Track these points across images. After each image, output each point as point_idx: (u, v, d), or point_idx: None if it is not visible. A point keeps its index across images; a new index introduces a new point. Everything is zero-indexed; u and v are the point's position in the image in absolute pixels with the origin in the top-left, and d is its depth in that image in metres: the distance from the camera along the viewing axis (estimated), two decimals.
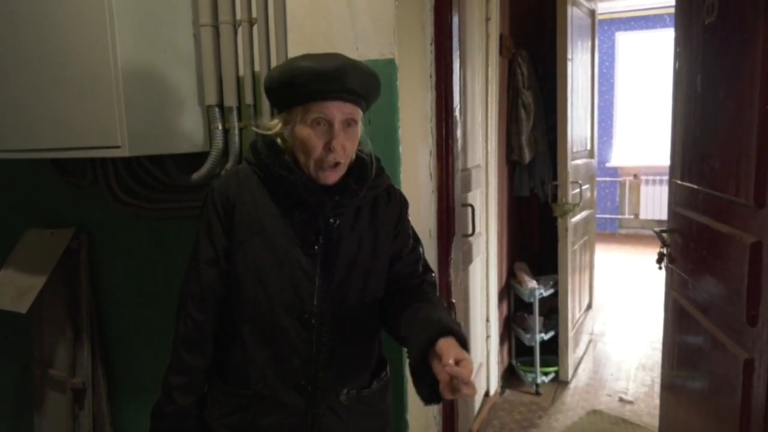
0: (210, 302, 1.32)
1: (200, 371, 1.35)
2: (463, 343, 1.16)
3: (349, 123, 1.23)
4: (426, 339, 1.16)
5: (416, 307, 1.30)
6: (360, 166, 1.31)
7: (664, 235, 2.21)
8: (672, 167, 2.17)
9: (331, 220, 1.28)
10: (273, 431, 1.31)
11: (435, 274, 1.62)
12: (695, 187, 1.90)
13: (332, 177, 1.25)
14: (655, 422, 2.63)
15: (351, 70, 1.19)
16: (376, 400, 1.40)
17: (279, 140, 1.29)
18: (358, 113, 1.25)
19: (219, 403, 1.34)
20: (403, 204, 1.42)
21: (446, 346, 1.12)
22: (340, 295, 1.30)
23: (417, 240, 1.45)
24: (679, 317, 2.09)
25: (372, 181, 1.32)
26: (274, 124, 1.28)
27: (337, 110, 1.20)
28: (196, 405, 1.36)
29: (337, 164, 1.24)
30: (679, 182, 2.07)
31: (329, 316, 1.29)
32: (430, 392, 1.18)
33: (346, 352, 1.32)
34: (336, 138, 1.21)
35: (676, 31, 2.12)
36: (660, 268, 2.25)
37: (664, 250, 2.21)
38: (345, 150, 1.23)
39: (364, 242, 1.33)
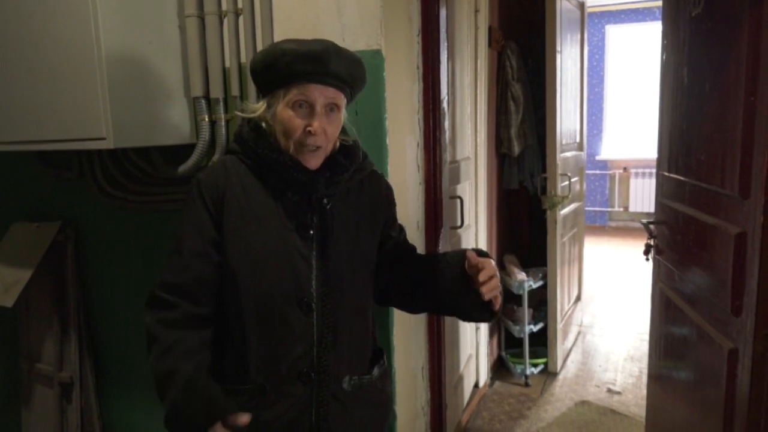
0: (198, 294, 1.26)
1: (198, 342, 1.24)
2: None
3: (332, 108, 1.24)
4: (457, 263, 1.31)
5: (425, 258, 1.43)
6: (346, 147, 1.33)
7: (652, 226, 2.22)
8: (659, 159, 2.18)
9: (325, 201, 1.29)
10: (277, 425, 1.28)
11: None
12: (682, 178, 1.90)
13: (312, 161, 1.26)
14: (642, 412, 2.65)
15: (335, 54, 1.20)
16: (377, 388, 1.41)
17: (263, 125, 1.29)
18: (341, 99, 1.25)
19: None
20: (389, 188, 1.47)
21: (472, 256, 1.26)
22: (337, 277, 1.30)
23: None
24: (665, 308, 2.11)
25: (360, 163, 1.35)
26: (258, 107, 1.28)
27: (319, 93, 1.21)
28: (204, 369, 1.23)
29: (317, 148, 1.24)
30: (666, 174, 2.08)
31: (328, 298, 1.28)
32: (481, 310, 1.30)
33: (346, 334, 1.32)
34: (317, 120, 1.21)
35: (664, 23, 2.12)
36: (647, 259, 2.27)
37: (652, 242, 2.22)
38: (326, 134, 1.24)
39: (355, 223, 1.35)
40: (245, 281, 1.26)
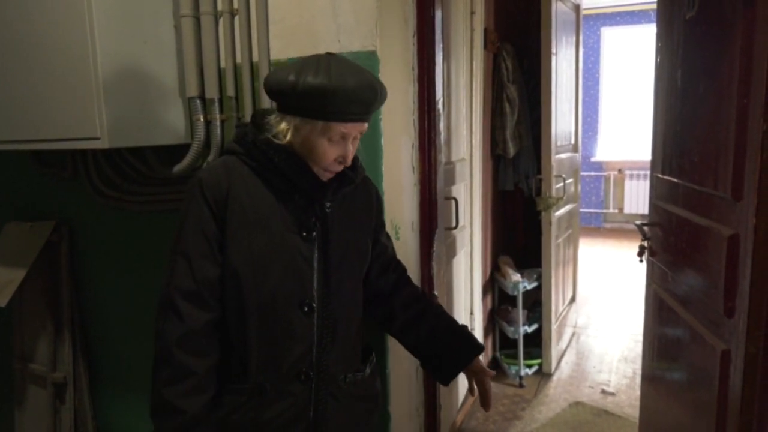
0: (208, 298, 1.27)
1: (206, 370, 1.26)
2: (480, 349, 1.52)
3: (356, 136, 1.29)
4: (458, 365, 1.51)
5: (428, 323, 1.52)
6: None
7: (645, 228, 2.23)
8: (653, 161, 2.19)
9: (327, 205, 1.32)
10: (276, 424, 1.30)
11: (416, 267, 1.80)
12: (675, 180, 1.91)
13: (327, 177, 1.32)
14: (636, 413, 2.66)
15: (380, 96, 1.24)
16: (369, 384, 1.46)
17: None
18: (367, 125, 1.30)
19: (216, 404, 1.30)
20: (378, 193, 1.53)
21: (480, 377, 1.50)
22: (337, 278, 1.33)
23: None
24: (659, 310, 2.11)
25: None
26: (283, 130, 1.26)
27: (354, 128, 1.26)
28: (207, 408, 1.26)
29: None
30: (660, 176, 2.09)
31: (329, 299, 1.31)
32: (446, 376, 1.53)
33: (345, 334, 1.36)
34: (349, 153, 1.27)
35: (658, 25, 2.13)
36: (641, 261, 2.27)
37: (645, 244, 2.22)
38: (351, 156, 1.30)
39: (351, 226, 1.39)
40: (248, 282, 1.27)
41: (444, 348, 1.50)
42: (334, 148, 1.25)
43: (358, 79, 1.20)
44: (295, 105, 1.22)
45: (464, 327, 1.55)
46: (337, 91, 1.17)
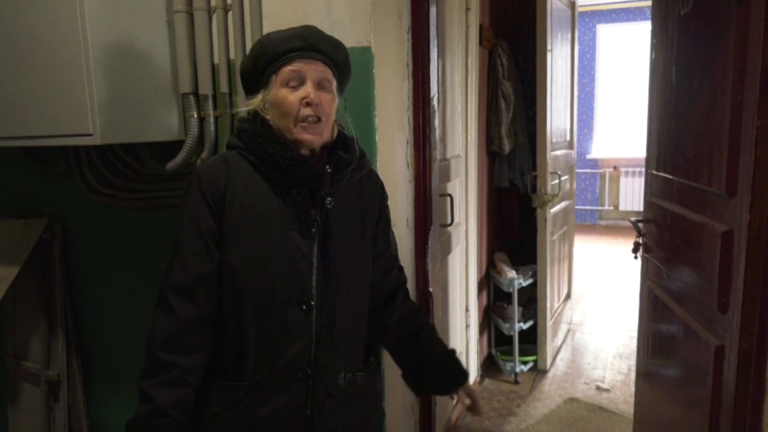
0: (199, 294, 1.25)
1: (189, 366, 1.25)
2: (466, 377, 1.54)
3: (323, 84, 1.26)
4: (438, 390, 1.56)
5: (417, 346, 1.51)
6: (344, 139, 1.35)
7: (640, 225, 2.23)
8: (648, 157, 2.19)
9: (328, 200, 1.29)
10: (272, 422, 1.29)
11: (411, 264, 1.78)
12: (670, 177, 1.91)
13: (315, 138, 1.26)
14: (630, 409, 2.67)
15: (315, 32, 1.27)
16: (368, 384, 1.43)
17: (268, 117, 1.29)
18: (331, 75, 1.28)
19: (211, 400, 1.29)
20: (383, 188, 1.48)
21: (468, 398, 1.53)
22: (337, 276, 1.31)
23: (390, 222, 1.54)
24: (653, 306, 2.12)
25: (359, 161, 1.36)
26: (255, 99, 1.29)
27: (308, 68, 1.24)
28: (183, 403, 1.25)
29: (317, 120, 1.25)
30: (655, 172, 2.09)
31: (328, 297, 1.29)
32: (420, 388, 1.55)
33: (343, 333, 1.33)
34: (310, 93, 1.23)
35: (653, 22, 2.13)
36: (636, 257, 2.28)
37: (640, 240, 2.23)
38: (323, 106, 1.25)
39: (353, 222, 1.36)
40: (246, 279, 1.25)
41: (429, 372, 1.49)
42: (295, 92, 1.24)
43: (291, 28, 1.29)
44: (253, 78, 1.29)
45: (452, 352, 1.54)
46: (270, 38, 1.26)
